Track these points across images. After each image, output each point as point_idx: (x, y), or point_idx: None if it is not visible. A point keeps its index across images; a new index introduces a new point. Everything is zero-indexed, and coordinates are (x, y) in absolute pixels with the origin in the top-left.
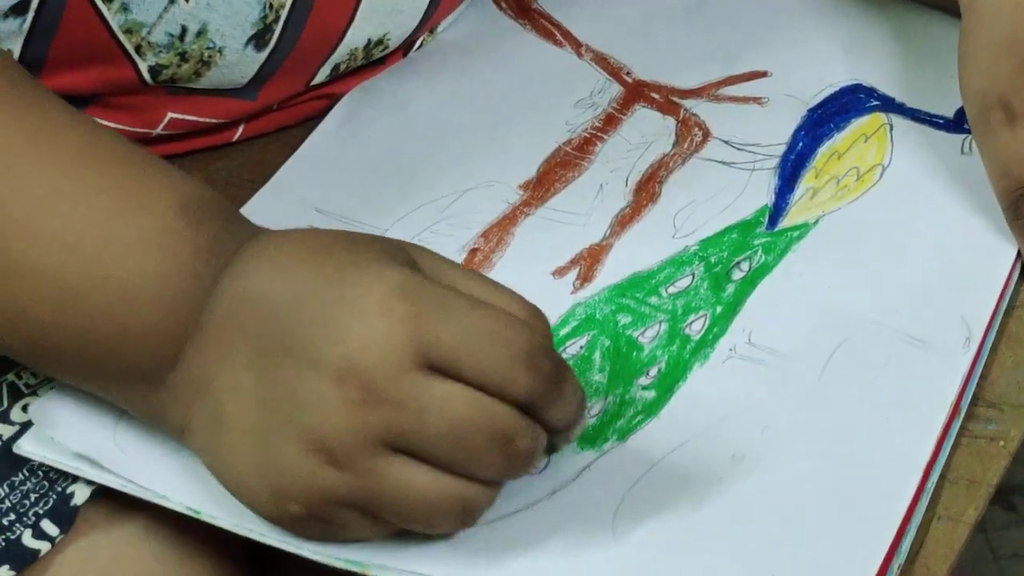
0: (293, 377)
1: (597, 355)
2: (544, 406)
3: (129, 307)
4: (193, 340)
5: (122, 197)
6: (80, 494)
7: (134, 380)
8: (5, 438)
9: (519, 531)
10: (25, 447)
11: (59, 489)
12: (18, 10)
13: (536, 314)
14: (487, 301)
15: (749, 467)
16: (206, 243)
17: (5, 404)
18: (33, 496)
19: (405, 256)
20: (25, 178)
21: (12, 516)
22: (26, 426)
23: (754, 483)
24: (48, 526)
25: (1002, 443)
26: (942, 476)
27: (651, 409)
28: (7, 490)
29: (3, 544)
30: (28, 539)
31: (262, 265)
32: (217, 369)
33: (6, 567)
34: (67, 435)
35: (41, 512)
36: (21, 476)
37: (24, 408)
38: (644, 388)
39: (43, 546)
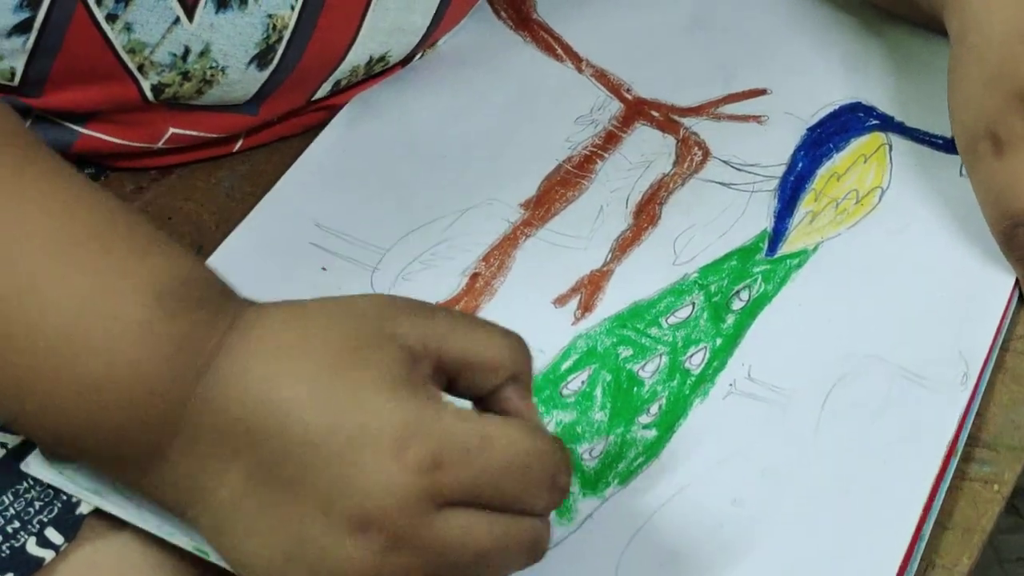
0: (308, 519)
1: (599, 391)
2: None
3: (107, 402)
4: (179, 444)
5: (100, 282)
6: (86, 504)
7: (120, 467)
8: (10, 447)
9: None
10: (33, 469)
11: (64, 498)
12: (22, 28)
13: (520, 347)
14: (472, 352)
15: (749, 513)
16: (182, 336)
17: None
18: (38, 504)
19: (404, 366)
20: (5, 261)
21: (16, 524)
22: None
23: (754, 531)
24: (52, 534)
25: (996, 487)
26: (938, 523)
27: (652, 450)
28: (11, 498)
29: (7, 552)
30: (32, 547)
31: (255, 371)
32: (214, 484)
33: (10, 575)
34: (75, 473)
35: (46, 520)
36: (26, 484)
37: None
38: (645, 427)
39: (47, 554)
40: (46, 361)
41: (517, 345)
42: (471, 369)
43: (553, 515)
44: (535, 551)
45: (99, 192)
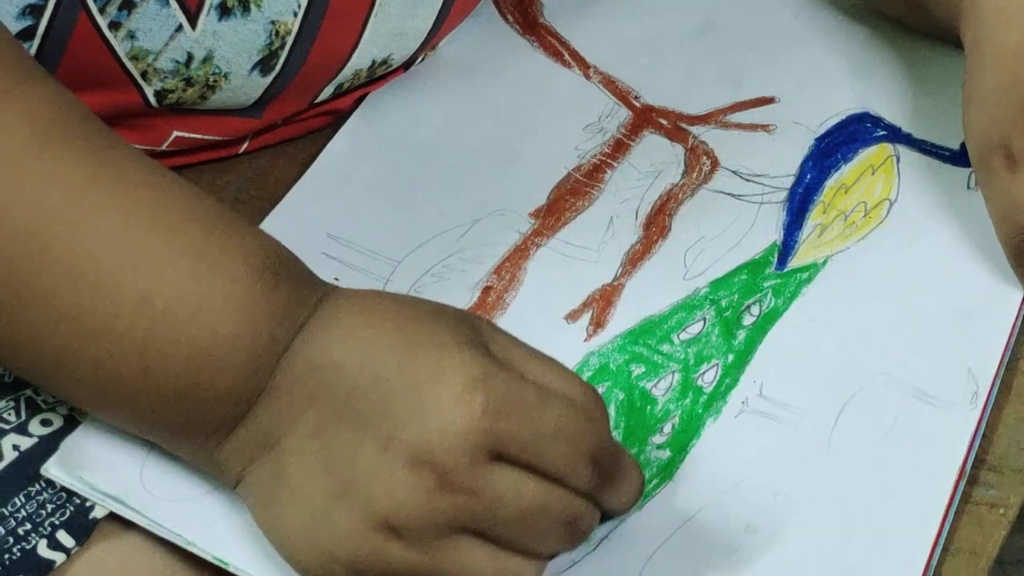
0: (365, 453)
1: (612, 410)
2: (602, 493)
3: (207, 370)
4: (262, 401)
5: (201, 260)
6: (100, 508)
7: (199, 434)
8: (23, 449)
9: None
10: (52, 471)
11: (77, 501)
12: (25, 35)
13: (595, 398)
14: (552, 386)
15: (763, 539)
16: (281, 306)
17: (24, 416)
18: (50, 507)
19: (479, 337)
20: (107, 237)
21: (28, 526)
22: (44, 439)
23: (768, 557)
24: (64, 537)
25: (1002, 511)
26: (944, 548)
27: (666, 471)
28: (23, 500)
29: (19, 554)
30: (43, 549)
31: (336, 334)
32: (284, 432)
33: None
34: (95, 476)
35: (57, 523)
36: (38, 487)
37: (43, 422)
38: (659, 447)
39: (58, 557)
40: (157, 327)
41: (588, 390)
42: None
43: None
44: (574, 529)
45: (183, 179)
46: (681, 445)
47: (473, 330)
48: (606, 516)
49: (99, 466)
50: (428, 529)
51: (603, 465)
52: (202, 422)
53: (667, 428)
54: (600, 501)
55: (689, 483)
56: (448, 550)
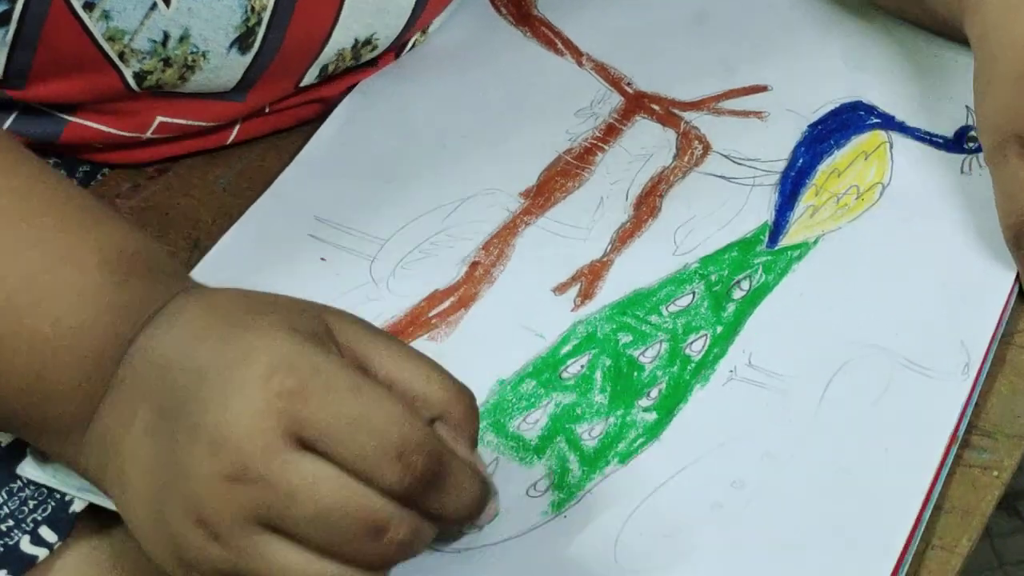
0: (178, 445)
1: (598, 375)
2: (422, 499)
3: (52, 362)
4: (106, 399)
5: (52, 249)
6: (79, 502)
7: (54, 433)
8: (3, 445)
9: (520, 555)
10: (28, 471)
11: (58, 496)
12: (0, 21)
13: (459, 399)
14: (397, 379)
15: (749, 494)
16: (128, 300)
17: None
18: (32, 503)
19: (313, 324)
20: None
21: (11, 522)
22: None
23: (753, 511)
24: (46, 532)
25: (995, 473)
26: (937, 506)
27: (652, 431)
28: (5, 496)
29: (1, 550)
30: (26, 545)
31: (173, 329)
32: (122, 432)
33: (4, 572)
34: (67, 480)
35: (39, 519)
36: (19, 483)
37: None
38: (645, 410)
39: (41, 552)
40: (4, 326)
41: (453, 387)
42: (396, 393)
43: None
44: (377, 534)
45: (55, 172)
46: (668, 408)
47: (310, 318)
48: (457, 532)
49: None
50: (230, 521)
51: (413, 467)
52: (53, 419)
53: (654, 392)
54: (425, 509)
55: (675, 443)
56: (259, 550)
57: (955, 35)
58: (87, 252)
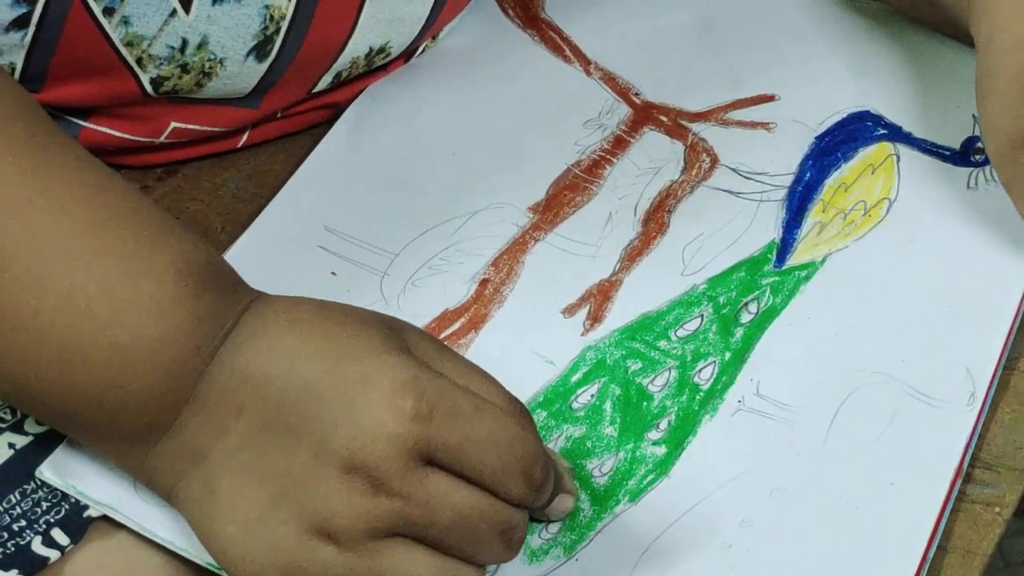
0: (297, 462)
1: (608, 405)
2: (534, 504)
3: (130, 373)
4: (188, 410)
5: (129, 261)
6: (95, 508)
7: (126, 440)
8: (19, 447)
9: None
10: (46, 475)
11: (72, 500)
12: (19, 24)
13: (521, 409)
14: (480, 394)
15: (757, 534)
16: (206, 312)
17: (19, 415)
18: (45, 505)
19: (404, 343)
20: (37, 231)
21: (23, 522)
22: (39, 437)
23: (761, 551)
24: (58, 535)
25: (997, 509)
26: (939, 546)
27: (662, 467)
28: (18, 497)
29: (12, 549)
30: (37, 546)
31: (264, 343)
32: (212, 443)
33: (15, 571)
34: (87, 485)
35: (52, 521)
36: (33, 484)
37: (38, 420)
38: (655, 443)
39: (52, 554)
40: (78, 325)
41: (514, 400)
42: None
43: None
44: (509, 538)
45: (122, 181)
46: (677, 441)
47: (399, 335)
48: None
49: (92, 474)
50: (364, 534)
51: (534, 480)
52: (124, 427)
53: (663, 424)
54: (532, 512)
55: (684, 479)
56: (384, 553)
57: (961, 36)
58: (163, 264)
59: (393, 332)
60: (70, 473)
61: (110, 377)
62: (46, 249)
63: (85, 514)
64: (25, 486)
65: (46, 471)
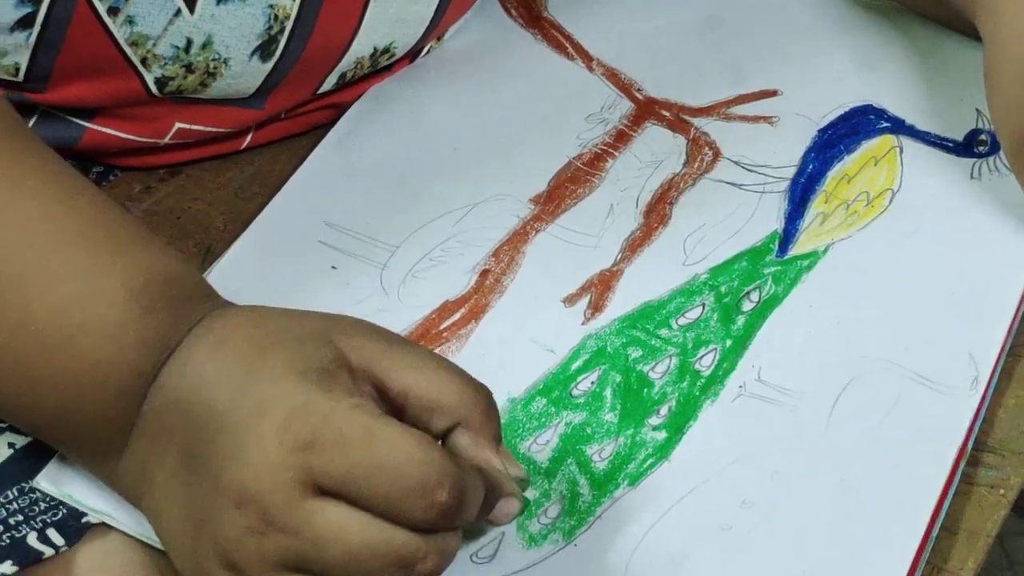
0: (205, 493)
1: (608, 392)
2: (446, 527)
3: (80, 397)
4: (135, 432)
5: (83, 282)
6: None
7: (93, 455)
8: (18, 447)
9: None
10: (43, 485)
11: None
12: (24, 23)
13: (480, 399)
14: (413, 388)
15: (758, 516)
16: (152, 334)
17: None
18: (42, 504)
19: (322, 357)
20: (5, 249)
21: (20, 517)
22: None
23: (762, 533)
24: (54, 535)
25: (1002, 492)
26: (943, 527)
27: (662, 451)
28: (16, 494)
29: (8, 541)
30: (32, 540)
31: (187, 367)
32: (155, 469)
33: (9, 562)
34: (84, 494)
35: (49, 521)
36: (31, 483)
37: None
38: (655, 428)
39: (47, 550)
40: (30, 351)
41: (469, 391)
42: (412, 406)
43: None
44: (406, 568)
45: (90, 189)
46: (678, 426)
47: (319, 348)
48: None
49: (87, 483)
50: (261, 569)
51: (436, 503)
52: (87, 444)
53: (664, 410)
54: (449, 529)
55: (685, 463)
56: None
57: (967, 29)
58: (116, 285)
59: (315, 344)
60: (66, 483)
61: (65, 399)
62: (6, 271)
63: (83, 520)
64: (24, 484)
65: (43, 482)
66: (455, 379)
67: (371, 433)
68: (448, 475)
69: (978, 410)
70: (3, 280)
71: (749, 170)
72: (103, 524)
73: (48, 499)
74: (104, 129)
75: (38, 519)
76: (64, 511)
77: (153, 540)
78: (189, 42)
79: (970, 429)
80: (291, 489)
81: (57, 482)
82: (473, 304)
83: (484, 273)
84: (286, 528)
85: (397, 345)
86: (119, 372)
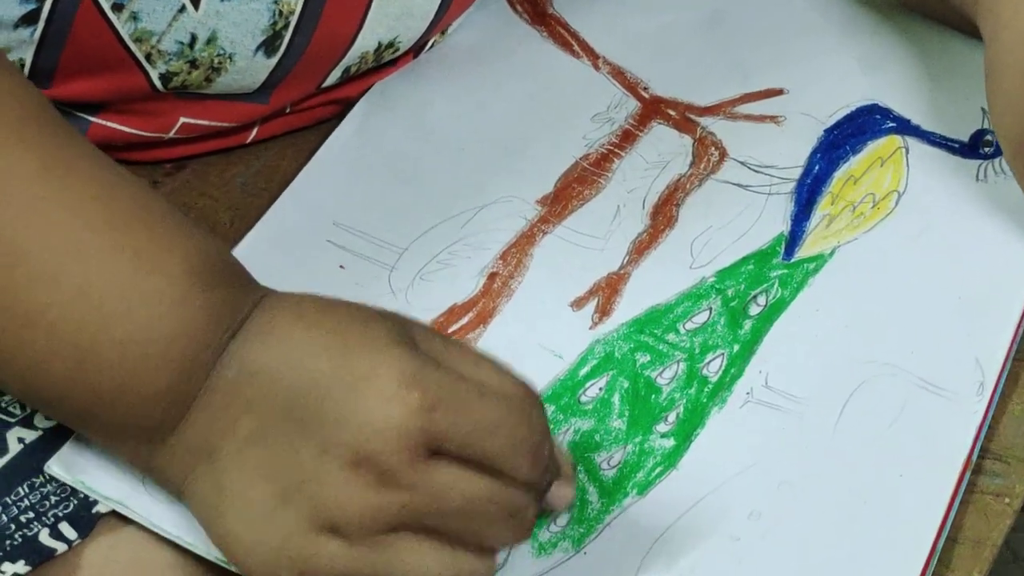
0: (305, 457)
1: (616, 398)
2: (542, 482)
3: (141, 368)
4: (197, 406)
5: (141, 258)
6: (104, 504)
7: (137, 437)
8: (28, 442)
9: None
10: (55, 469)
11: (81, 495)
12: (28, 20)
13: (531, 395)
14: (488, 383)
15: (765, 526)
16: (216, 308)
17: (28, 410)
18: (53, 499)
19: (409, 336)
20: (50, 227)
21: (31, 514)
22: (48, 431)
23: (769, 544)
24: (66, 529)
25: (1007, 500)
26: (949, 536)
27: (670, 460)
28: (27, 490)
29: (20, 540)
30: (45, 537)
31: (272, 339)
32: (221, 440)
33: (21, 562)
34: (96, 480)
35: (60, 515)
36: (42, 478)
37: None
38: (663, 436)
39: (59, 546)
40: (91, 321)
41: (523, 386)
42: None
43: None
44: (520, 521)
45: (132, 178)
46: (685, 434)
47: (405, 330)
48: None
49: (100, 469)
50: (372, 527)
51: (542, 460)
52: (135, 424)
53: (672, 417)
54: (539, 495)
55: (693, 471)
56: (394, 547)
57: (970, 30)
58: (175, 260)
59: (397, 325)
60: (78, 469)
61: (121, 373)
62: (60, 246)
63: (94, 510)
64: (34, 479)
65: (54, 466)
66: (510, 374)
67: (484, 396)
68: (548, 435)
69: (985, 416)
70: (61, 251)
71: (755, 171)
72: (111, 519)
73: (59, 492)
74: (109, 124)
75: (49, 514)
76: (75, 502)
77: (163, 530)
78: (194, 38)
79: (976, 436)
80: (413, 448)
81: (70, 467)
82: (481, 308)
83: (492, 276)
84: (406, 484)
85: (454, 342)
86: (184, 344)
